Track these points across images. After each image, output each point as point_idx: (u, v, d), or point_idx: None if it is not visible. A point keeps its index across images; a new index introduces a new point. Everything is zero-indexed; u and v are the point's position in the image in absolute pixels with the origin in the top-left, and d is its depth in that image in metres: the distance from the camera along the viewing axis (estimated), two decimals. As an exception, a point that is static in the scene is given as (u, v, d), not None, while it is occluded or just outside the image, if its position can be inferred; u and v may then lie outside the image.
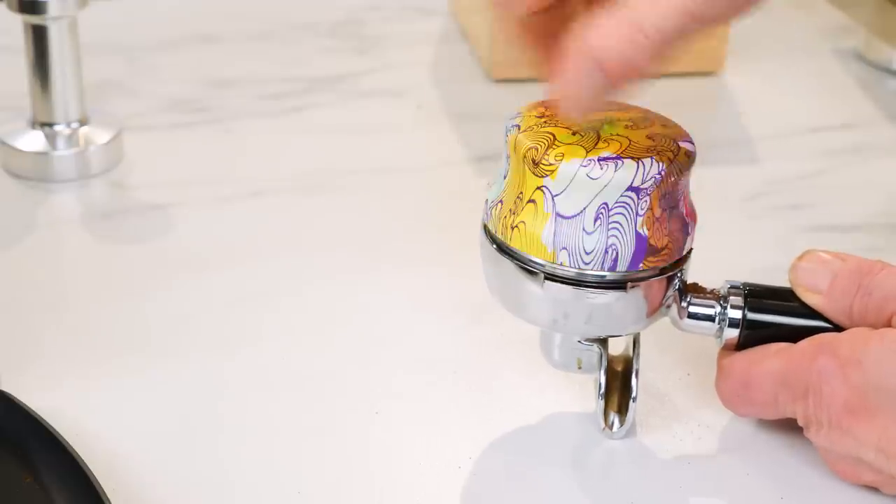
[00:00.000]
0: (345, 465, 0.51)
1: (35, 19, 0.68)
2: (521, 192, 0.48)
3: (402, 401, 0.54)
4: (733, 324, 0.51)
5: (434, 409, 0.54)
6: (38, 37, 0.69)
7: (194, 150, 0.75)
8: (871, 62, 0.89)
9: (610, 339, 0.52)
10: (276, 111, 0.80)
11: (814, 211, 0.71)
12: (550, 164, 0.47)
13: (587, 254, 0.48)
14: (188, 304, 0.60)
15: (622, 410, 0.52)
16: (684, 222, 0.50)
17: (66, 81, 0.70)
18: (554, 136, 0.48)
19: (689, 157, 0.49)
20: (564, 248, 0.48)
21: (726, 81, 0.86)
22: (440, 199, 0.71)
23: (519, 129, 0.49)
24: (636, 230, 0.48)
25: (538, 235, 0.48)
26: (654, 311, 0.50)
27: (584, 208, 0.47)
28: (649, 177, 0.47)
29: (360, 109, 0.81)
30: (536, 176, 0.48)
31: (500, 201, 0.50)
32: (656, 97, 0.76)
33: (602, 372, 0.52)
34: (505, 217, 0.49)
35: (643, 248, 0.48)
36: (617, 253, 0.48)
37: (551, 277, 0.49)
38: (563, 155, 0.47)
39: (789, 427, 0.51)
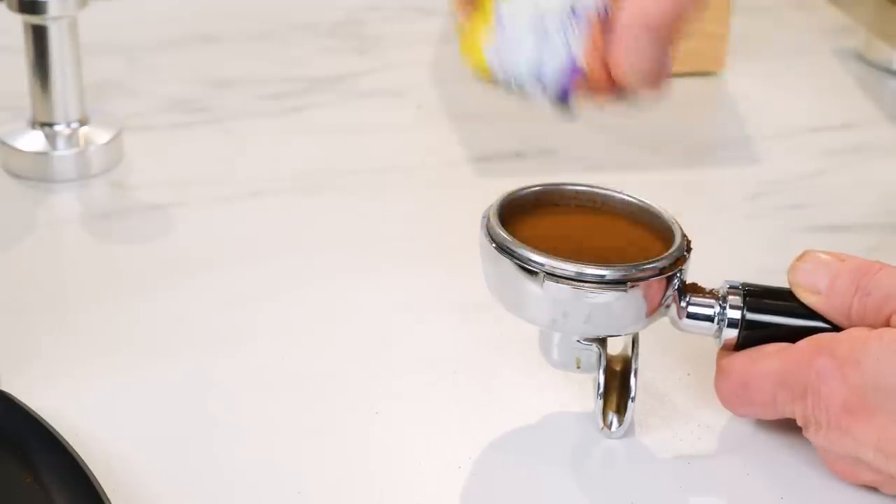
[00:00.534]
0: (345, 465, 0.51)
1: (35, 19, 0.68)
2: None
3: (402, 401, 0.54)
4: (732, 324, 0.51)
5: (434, 409, 0.54)
6: (38, 37, 0.69)
7: (194, 150, 0.75)
8: (871, 62, 0.89)
9: (609, 339, 0.52)
10: (276, 111, 0.80)
11: (814, 211, 0.71)
12: None
13: (518, 68, 0.48)
14: (188, 304, 0.60)
15: (621, 410, 0.52)
16: None
17: (66, 81, 0.70)
18: None
19: None
20: (498, 61, 0.48)
21: (726, 81, 0.86)
22: (440, 199, 0.71)
23: None
24: (571, 54, 0.48)
25: (478, 48, 0.49)
26: (654, 311, 0.50)
27: (523, 36, 0.48)
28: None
29: (360, 109, 0.81)
30: None
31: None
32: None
33: (601, 372, 0.52)
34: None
35: (574, 71, 0.48)
36: (543, 70, 0.48)
37: (551, 277, 0.49)
38: None
39: (789, 427, 0.51)
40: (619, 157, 0.73)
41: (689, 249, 0.51)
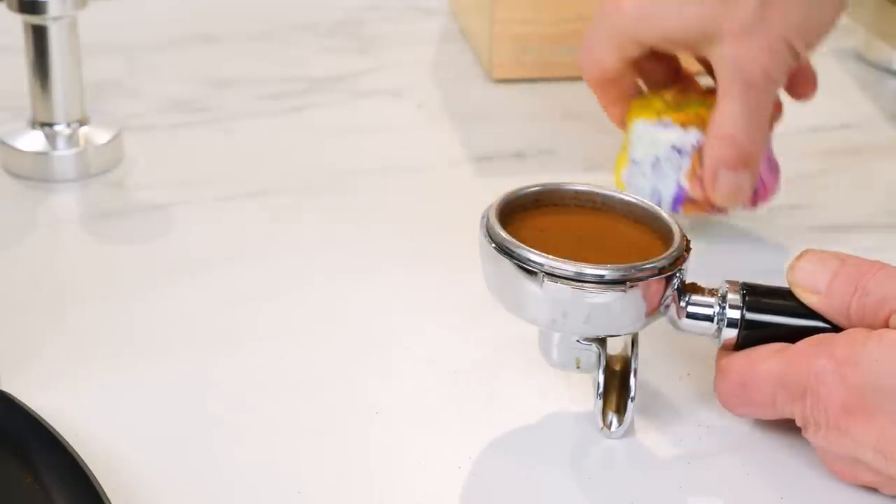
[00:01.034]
0: (345, 465, 0.51)
1: (35, 19, 0.68)
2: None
3: (402, 401, 0.54)
4: (732, 324, 0.51)
5: (434, 409, 0.54)
6: (38, 37, 0.69)
7: (194, 150, 0.75)
8: (871, 62, 0.89)
9: (608, 339, 0.52)
10: (276, 111, 0.80)
11: (814, 211, 0.71)
12: (630, 121, 0.63)
13: (643, 193, 0.62)
14: (188, 304, 0.60)
15: (620, 410, 0.52)
16: None
17: (66, 81, 0.70)
18: (651, 103, 0.63)
19: None
20: (630, 185, 0.63)
21: (726, 81, 0.86)
22: (440, 199, 0.71)
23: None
24: (678, 181, 0.62)
25: (619, 173, 0.64)
26: (654, 311, 0.50)
27: (644, 157, 0.62)
28: (688, 142, 0.61)
29: (360, 109, 0.81)
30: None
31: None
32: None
33: (600, 372, 0.52)
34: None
35: (681, 196, 0.62)
36: (660, 195, 0.62)
37: (550, 277, 0.49)
38: (639, 115, 0.63)
39: (789, 427, 0.51)
40: (618, 157, 0.73)
41: (688, 249, 0.51)
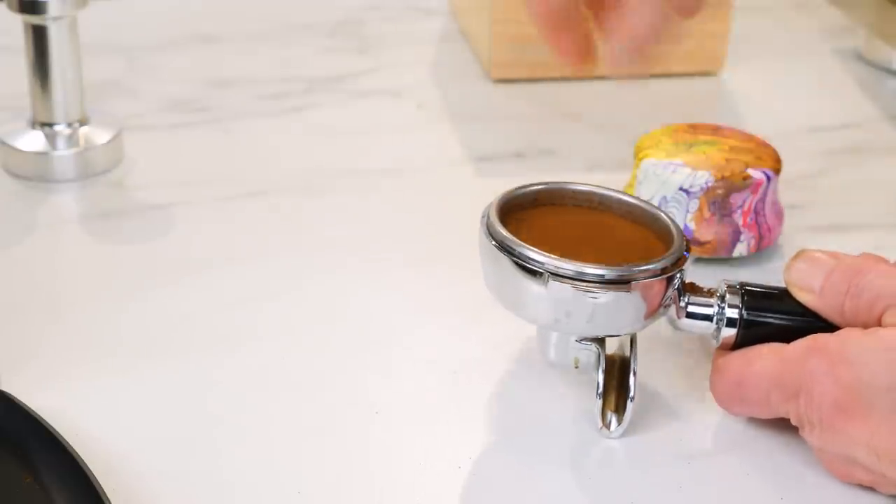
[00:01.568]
0: (345, 465, 0.51)
1: (35, 19, 0.68)
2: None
3: (402, 401, 0.54)
4: (730, 323, 0.51)
5: (434, 409, 0.54)
6: (38, 37, 0.69)
7: (194, 150, 0.75)
8: (871, 62, 0.89)
9: (607, 339, 0.52)
10: (276, 111, 0.80)
11: (814, 211, 0.71)
12: (639, 159, 0.63)
13: None
14: (188, 304, 0.60)
15: (620, 410, 0.52)
16: (737, 230, 0.62)
17: (66, 81, 0.70)
18: (660, 142, 0.64)
19: (746, 181, 0.61)
20: None
21: (726, 81, 0.86)
22: (440, 199, 0.71)
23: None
24: (685, 223, 0.61)
25: None
26: (654, 311, 0.50)
27: (652, 196, 0.62)
28: (696, 184, 0.61)
29: (360, 109, 0.81)
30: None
31: None
32: (657, 97, 0.76)
33: (600, 371, 0.52)
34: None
35: (689, 238, 0.58)
36: None
37: (553, 276, 0.49)
38: (648, 154, 0.63)
39: (788, 427, 0.51)
40: (619, 157, 0.73)
41: (688, 249, 0.51)
